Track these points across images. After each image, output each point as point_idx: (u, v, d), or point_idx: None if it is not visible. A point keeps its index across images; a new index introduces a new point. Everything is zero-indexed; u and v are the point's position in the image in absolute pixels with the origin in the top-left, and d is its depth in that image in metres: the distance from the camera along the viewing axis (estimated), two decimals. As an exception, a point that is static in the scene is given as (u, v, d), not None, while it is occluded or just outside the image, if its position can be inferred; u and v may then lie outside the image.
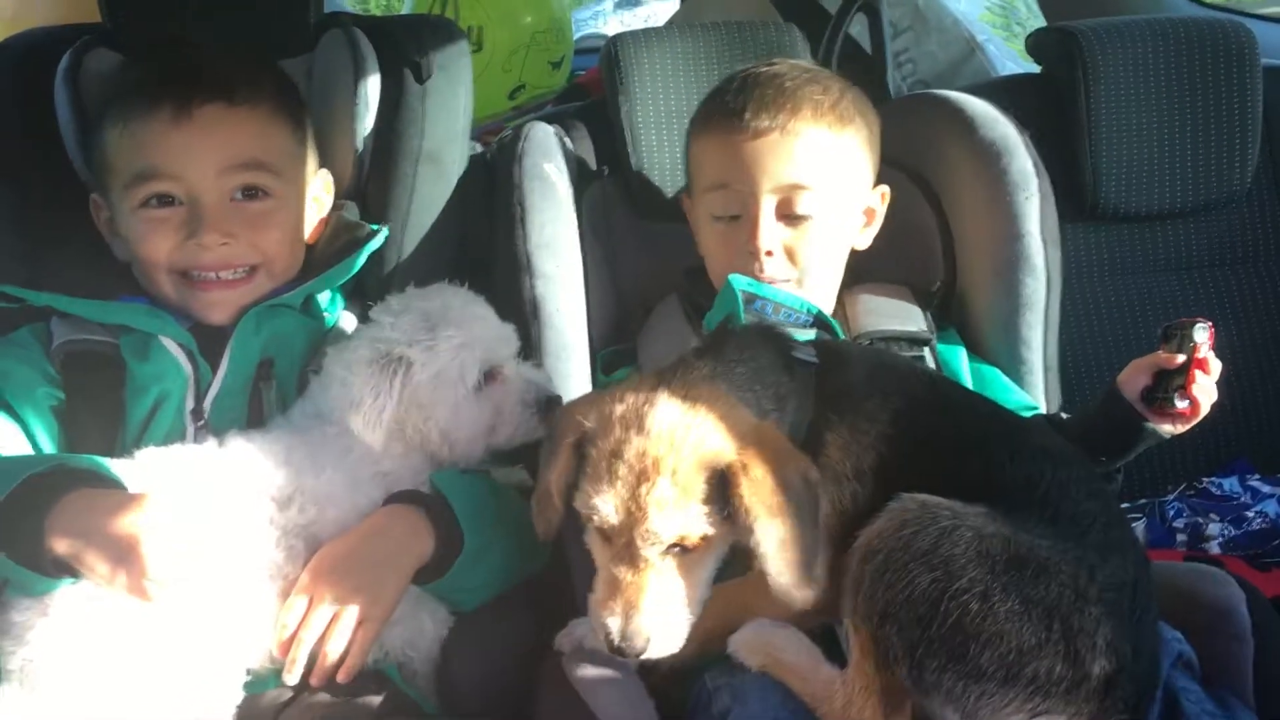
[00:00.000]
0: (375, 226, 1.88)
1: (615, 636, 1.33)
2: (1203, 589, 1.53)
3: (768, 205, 1.76)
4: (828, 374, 1.47)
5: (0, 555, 1.40)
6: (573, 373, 1.85)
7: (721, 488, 1.33)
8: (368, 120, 1.95)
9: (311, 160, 1.89)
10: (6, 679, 1.41)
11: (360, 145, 1.96)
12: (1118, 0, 2.93)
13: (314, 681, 1.51)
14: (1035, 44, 2.49)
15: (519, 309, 1.84)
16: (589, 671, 1.46)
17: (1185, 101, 2.33)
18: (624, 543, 1.33)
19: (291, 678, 1.51)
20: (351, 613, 1.50)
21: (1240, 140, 2.34)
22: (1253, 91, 2.33)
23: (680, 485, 1.31)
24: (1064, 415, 1.89)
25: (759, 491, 1.31)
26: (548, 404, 1.69)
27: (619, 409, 1.36)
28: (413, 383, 1.63)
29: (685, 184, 1.99)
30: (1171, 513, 2.15)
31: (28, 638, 1.42)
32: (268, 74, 1.85)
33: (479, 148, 2.18)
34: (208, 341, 1.74)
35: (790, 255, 1.77)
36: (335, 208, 1.93)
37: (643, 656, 1.35)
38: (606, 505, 1.33)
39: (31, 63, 1.95)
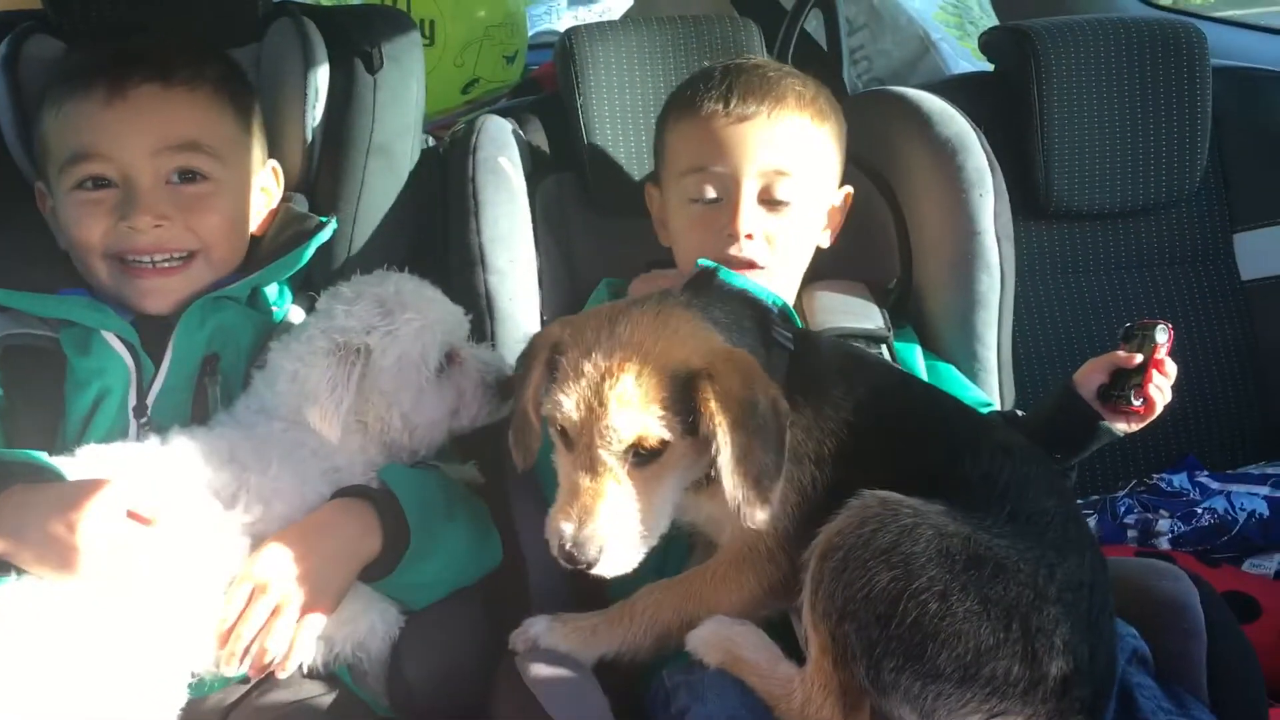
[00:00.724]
0: (324, 219, 1.84)
1: (567, 542, 1.33)
2: (1156, 585, 1.54)
3: (749, 188, 1.77)
4: (799, 359, 1.47)
5: None
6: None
7: (685, 399, 1.33)
8: (317, 111, 1.91)
9: (259, 149, 1.85)
10: None
11: (310, 136, 1.92)
12: (1069, 1, 2.95)
13: (251, 674, 1.48)
14: (988, 42, 2.50)
15: (472, 303, 1.81)
16: (543, 671, 1.44)
17: (1136, 101, 2.35)
18: (585, 445, 1.33)
19: (230, 670, 1.47)
20: (294, 606, 1.47)
21: (1189, 140, 2.37)
22: (1202, 92, 2.36)
23: (643, 385, 1.32)
24: (1019, 413, 1.89)
25: (724, 401, 1.31)
26: (506, 384, 1.67)
27: (592, 321, 1.38)
28: (374, 371, 1.60)
29: (652, 173, 1.98)
30: (1122, 509, 2.17)
31: None
32: (211, 58, 1.80)
33: (432, 141, 2.14)
34: (151, 336, 1.69)
35: (768, 240, 1.78)
36: (284, 199, 1.89)
37: (594, 570, 1.34)
38: (569, 401, 1.33)
39: None
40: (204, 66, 1.76)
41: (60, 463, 1.47)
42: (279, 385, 1.61)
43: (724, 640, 1.40)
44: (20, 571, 1.39)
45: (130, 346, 1.67)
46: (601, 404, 1.32)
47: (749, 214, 1.76)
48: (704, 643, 1.41)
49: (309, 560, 1.49)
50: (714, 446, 1.31)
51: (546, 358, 1.39)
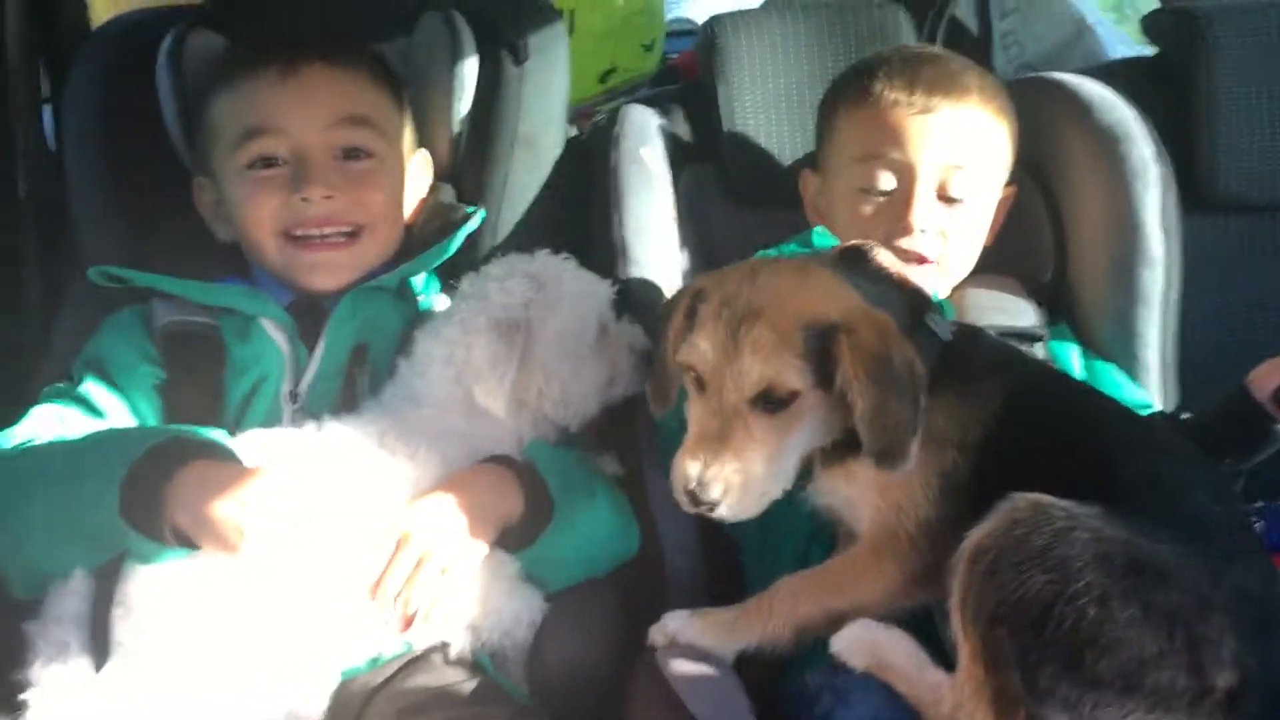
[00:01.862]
0: (472, 209, 1.87)
1: (691, 481, 1.33)
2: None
3: (926, 180, 1.74)
4: (953, 351, 1.44)
5: (122, 524, 1.41)
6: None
7: (820, 351, 1.32)
8: (465, 102, 1.94)
9: (411, 137, 1.89)
10: (116, 651, 1.42)
11: (457, 127, 1.95)
12: (1236, -18, 2.79)
13: (401, 629, 1.51)
14: (1151, 25, 2.37)
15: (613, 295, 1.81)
16: (685, 668, 1.42)
17: (1314, 87, 2.20)
18: (716, 388, 1.34)
19: (384, 624, 1.50)
20: (438, 558, 1.50)
21: (1372, 127, 2.21)
22: (1385, 76, 2.19)
23: (778, 332, 1.32)
24: (1184, 415, 1.80)
25: (861, 354, 1.31)
26: (647, 355, 1.68)
27: (734, 273, 1.39)
28: (534, 344, 1.61)
29: (808, 159, 1.95)
30: (1291, 518, 2.06)
31: (141, 611, 1.43)
32: (365, 47, 1.87)
33: (574, 131, 2.15)
34: (305, 325, 1.74)
35: (941, 235, 1.75)
36: (432, 189, 1.92)
37: (715, 512, 1.34)
38: (705, 344, 1.34)
39: (132, 45, 1.97)
40: (362, 51, 1.84)
41: (233, 445, 1.52)
42: (430, 372, 1.63)
43: (870, 644, 1.37)
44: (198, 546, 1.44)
45: (287, 334, 1.72)
46: (736, 348, 1.32)
47: (924, 206, 1.73)
48: (850, 645, 1.38)
49: (449, 514, 1.52)
50: (850, 398, 1.31)
51: (687, 305, 1.40)
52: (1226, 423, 1.59)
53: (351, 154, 1.77)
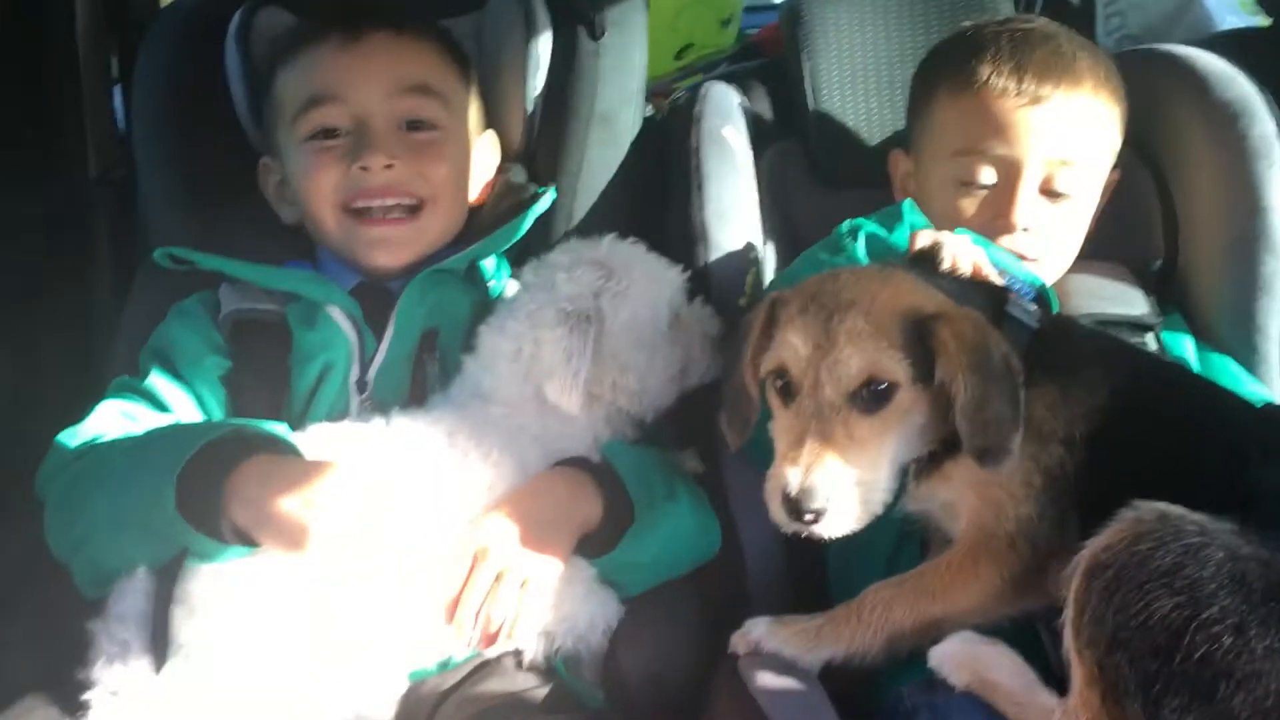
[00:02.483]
0: (542, 189, 1.80)
1: (793, 489, 1.24)
2: None
3: (1031, 177, 1.63)
4: (1045, 340, 1.35)
5: (180, 520, 1.36)
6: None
7: (916, 343, 1.26)
8: (538, 80, 1.87)
9: (478, 115, 1.83)
10: (176, 651, 1.38)
11: (530, 106, 1.88)
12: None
13: (481, 646, 1.45)
14: (1267, -6, 2.23)
15: (693, 281, 1.72)
16: (770, 681, 1.35)
17: None
18: (810, 387, 1.27)
19: (462, 641, 1.44)
20: (516, 571, 1.43)
21: None
22: None
23: (874, 321, 1.26)
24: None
25: (961, 344, 1.24)
26: (725, 338, 1.61)
27: (810, 280, 1.34)
28: (607, 335, 1.54)
29: (898, 138, 1.85)
30: None
31: (202, 610, 1.39)
32: (431, 19, 1.83)
33: (650, 110, 2.07)
34: (373, 311, 1.68)
35: (1044, 233, 1.64)
36: (501, 170, 1.86)
37: (817, 526, 1.26)
38: (795, 339, 1.28)
39: (199, 22, 1.93)
40: (429, 22, 1.79)
41: (295, 439, 1.47)
42: (498, 368, 1.57)
43: (972, 659, 1.28)
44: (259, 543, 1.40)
45: (354, 320, 1.67)
46: (830, 339, 1.26)
47: (1027, 205, 1.63)
48: (950, 660, 1.29)
49: (527, 525, 1.46)
50: (952, 390, 1.24)
51: (766, 316, 1.33)
52: None
53: (415, 125, 1.72)
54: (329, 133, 1.70)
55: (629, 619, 1.54)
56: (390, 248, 1.71)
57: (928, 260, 1.43)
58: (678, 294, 1.63)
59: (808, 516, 1.25)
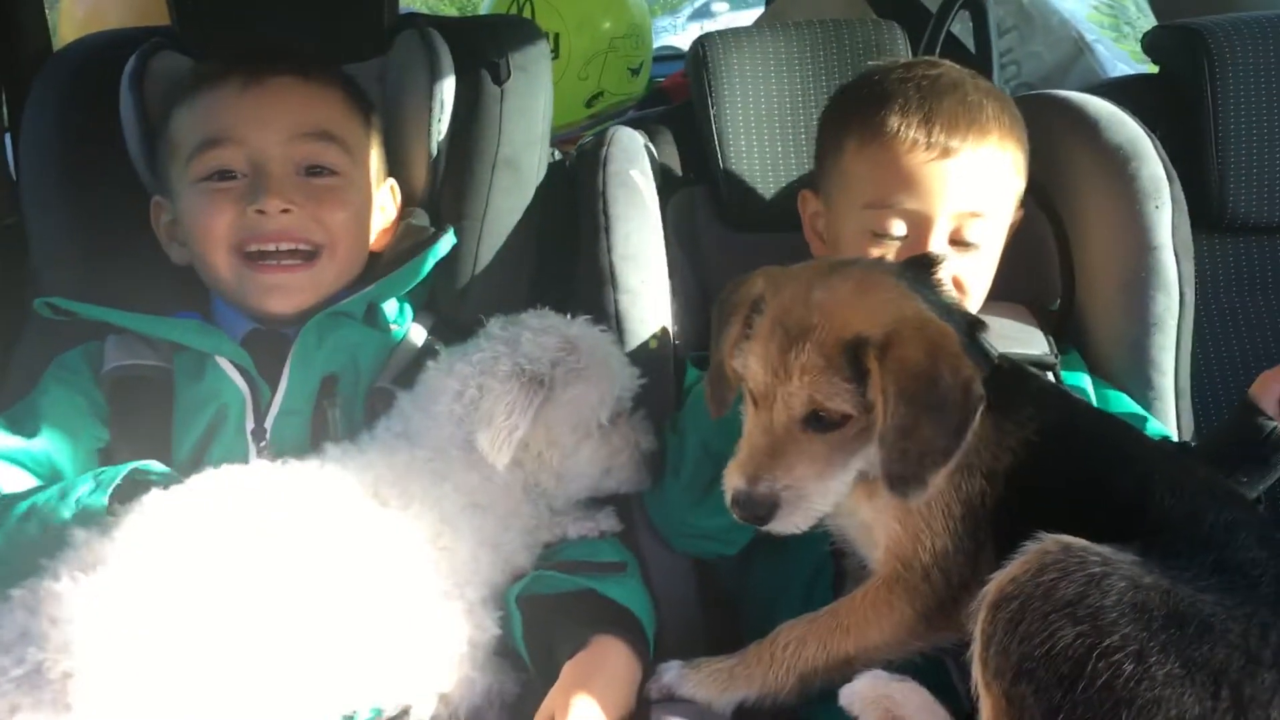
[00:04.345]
0: (443, 230, 1.78)
1: (741, 493, 1.30)
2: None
3: (941, 230, 1.63)
4: (1001, 378, 1.36)
5: None
6: (657, 387, 1.71)
7: (864, 371, 1.27)
8: (443, 124, 1.85)
9: (379, 161, 1.81)
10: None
11: (434, 150, 1.86)
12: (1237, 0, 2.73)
13: None
14: (1153, 43, 2.31)
15: (601, 324, 1.71)
16: (682, 724, 1.33)
17: (1321, 103, 2.14)
18: (769, 406, 1.31)
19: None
20: None
21: (1383, 146, 2.14)
22: (1399, 93, 2.13)
23: (826, 355, 1.27)
24: (1193, 444, 1.72)
25: (893, 373, 1.24)
26: (653, 458, 1.62)
27: (792, 281, 1.34)
28: (550, 406, 1.53)
29: (808, 178, 1.86)
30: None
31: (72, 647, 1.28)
32: (335, 64, 1.80)
33: (558, 155, 2.06)
34: (266, 358, 1.64)
35: (957, 284, 1.63)
36: (403, 215, 1.83)
37: (766, 526, 1.31)
38: (757, 364, 1.31)
39: (89, 68, 1.89)
40: (337, 68, 1.78)
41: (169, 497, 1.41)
42: (436, 407, 1.53)
43: (882, 697, 1.28)
44: None
45: (243, 371, 1.62)
46: (786, 371, 1.28)
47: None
48: (860, 699, 1.28)
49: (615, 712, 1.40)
50: (875, 413, 1.25)
51: (746, 313, 1.35)
52: (1236, 440, 1.53)
53: (314, 171, 1.69)
54: (225, 174, 1.66)
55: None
56: (285, 294, 1.67)
57: (924, 268, 1.43)
58: (626, 395, 1.62)
59: (752, 518, 1.31)
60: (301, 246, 1.67)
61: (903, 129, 1.62)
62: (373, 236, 1.78)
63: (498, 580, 1.53)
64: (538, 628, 1.49)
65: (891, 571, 1.34)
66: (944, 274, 1.61)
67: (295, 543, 1.37)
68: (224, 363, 1.62)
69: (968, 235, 1.64)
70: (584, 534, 1.62)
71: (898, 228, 1.64)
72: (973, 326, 1.39)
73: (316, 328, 1.64)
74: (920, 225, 1.63)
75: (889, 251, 1.64)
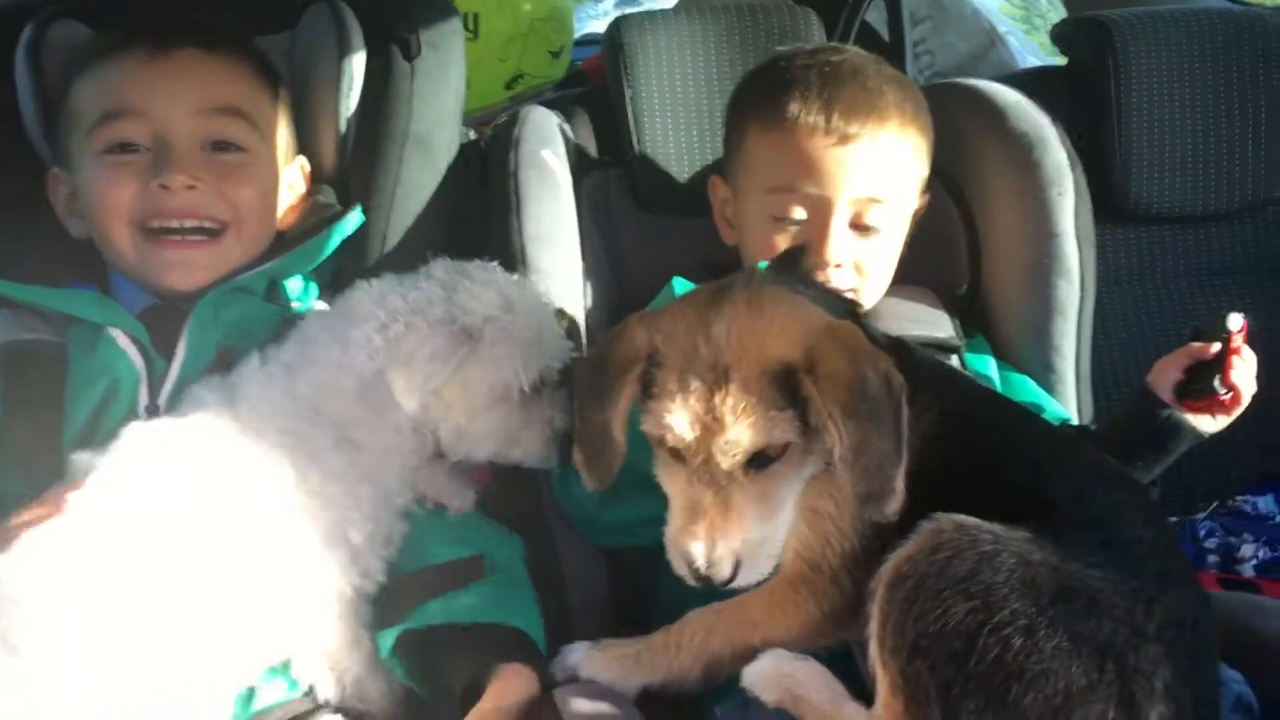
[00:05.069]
0: (351, 208, 1.75)
1: (701, 563, 1.23)
2: (1261, 624, 1.41)
3: (841, 215, 1.65)
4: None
5: None
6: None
7: (798, 389, 1.22)
8: (352, 99, 1.82)
9: (288, 138, 1.77)
10: None
11: (343, 126, 1.82)
12: (1142, -7, 2.80)
13: None
14: (1062, 35, 2.36)
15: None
16: (583, 707, 1.32)
17: (1222, 97, 2.20)
18: (702, 460, 1.23)
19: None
20: None
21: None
22: (1294, 89, 2.20)
23: (755, 391, 1.21)
24: (1092, 428, 1.77)
25: (829, 389, 1.20)
26: (566, 439, 1.54)
27: (683, 322, 1.26)
28: (473, 360, 1.47)
29: (717, 165, 1.86)
30: (1203, 532, 2.04)
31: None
32: (244, 37, 1.76)
33: (473, 135, 2.04)
34: (162, 332, 1.59)
35: (857, 268, 1.67)
36: (310, 192, 1.80)
37: (733, 584, 1.25)
38: (680, 422, 1.23)
39: None
40: (246, 41, 1.73)
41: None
42: (353, 331, 1.47)
43: (783, 677, 1.28)
44: None
45: (139, 344, 1.58)
46: (716, 419, 1.21)
47: (839, 241, 1.65)
48: (762, 678, 1.29)
49: None
50: (828, 439, 1.21)
51: (640, 369, 1.27)
52: (1134, 425, 1.57)
53: (221, 146, 1.65)
54: (127, 147, 1.62)
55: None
56: (188, 270, 1.63)
57: (791, 262, 1.42)
58: (554, 366, 1.56)
59: (717, 584, 1.24)
60: (206, 224, 1.63)
61: (803, 114, 1.64)
62: (280, 214, 1.75)
63: (383, 518, 1.48)
64: (423, 667, 1.44)
65: (798, 572, 1.33)
66: (841, 258, 1.65)
67: (148, 511, 1.34)
68: (118, 335, 1.58)
69: (868, 220, 1.65)
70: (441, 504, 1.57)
71: (798, 212, 1.65)
72: (853, 310, 1.39)
73: (213, 301, 1.61)
74: (820, 210, 1.64)
75: (789, 237, 1.66)
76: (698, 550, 1.23)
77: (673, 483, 1.29)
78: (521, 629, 1.44)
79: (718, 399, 1.21)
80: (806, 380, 1.21)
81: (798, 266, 1.41)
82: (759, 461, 1.24)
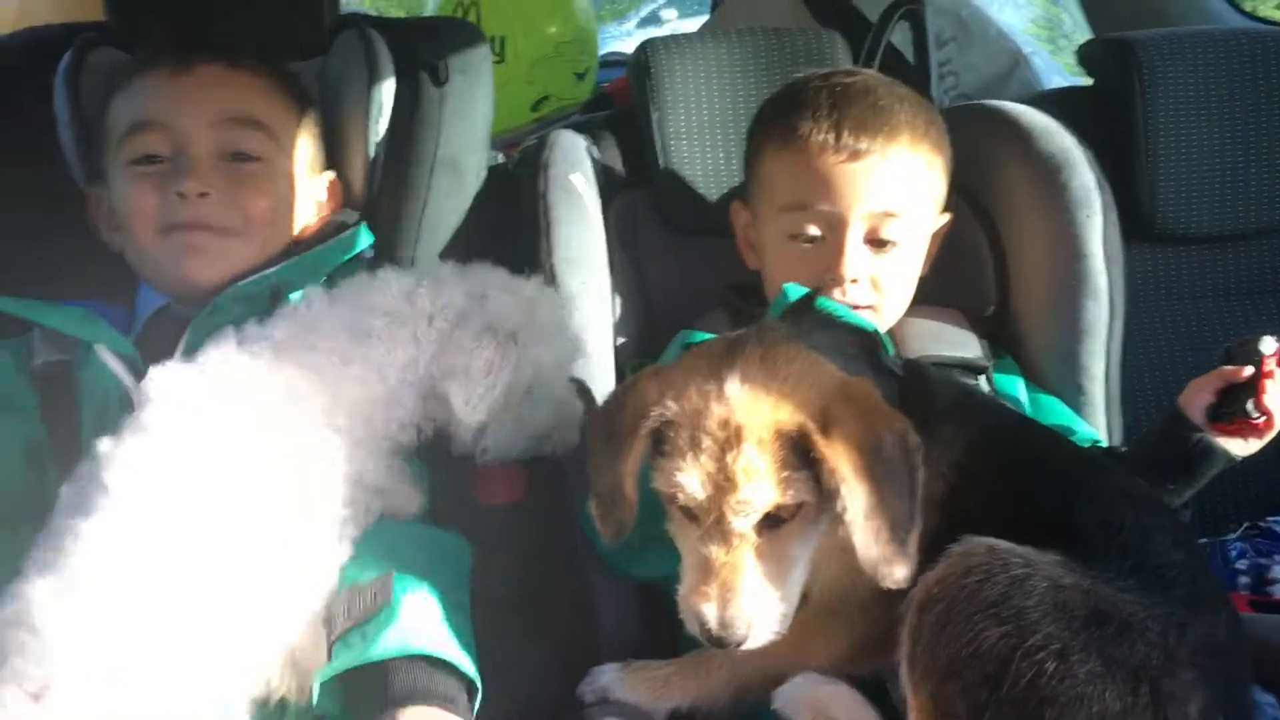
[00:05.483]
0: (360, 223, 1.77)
1: (713, 625, 1.21)
2: (1295, 646, 1.39)
3: (856, 230, 1.66)
4: (907, 389, 1.34)
5: None
6: (599, 394, 1.71)
7: (809, 454, 1.20)
8: (381, 125, 1.84)
9: (314, 152, 1.81)
10: None
11: (373, 151, 1.85)
12: (1167, 13, 2.79)
13: None
14: (1088, 55, 2.36)
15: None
16: (615, 729, 1.33)
17: (1249, 117, 2.19)
18: (714, 519, 1.21)
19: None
20: None
21: (1307, 159, 2.20)
22: (1322, 108, 2.19)
23: (768, 451, 1.19)
24: (1123, 449, 1.76)
25: (842, 451, 1.18)
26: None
27: (695, 379, 1.24)
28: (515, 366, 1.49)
29: (739, 189, 1.87)
30: (1234, 553, 2.01)
31: None
32: (271, 57, 1.81)
33: (501, 158, 2.06)
34: (159, 344, 1.61)
35: (874, 284, 1.68)
36: (335, 212, 1.83)
37: (743, 646, 1.22)
38: (692, 481, 1.21)
39: (30, 61, 1.86)
40: (269, 60, 1.78)
41: None
42: (372, 321, 1.47)
43: (816, 701, 1.28)
44: None
45: (126, 359, 1.60)
46: (728, 479, 1.19)
47: (854, 257, 1.66)
48: (794, 702, 1.29)
49: None
50: (839, 503, 1.18)
51: (651, 427, 1.25)
52: (1165, 448, 1.56)
53: (239, 157, 1.69)
54: (151, 158, 1.67)
55: (482, 671, 1.47)
56: (204, 257, 1.65)
57: (802, 312, 1.42)
58: (572, 361, 1.60)
59: (729, 645, 1.22)
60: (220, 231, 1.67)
61: (814, 132, 1.67)
62: (299, 228, 1.76)
63: (359, 499, 1.46)
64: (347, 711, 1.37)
65: (828, 604, 1.33)
66: (858, 273, 1.65)
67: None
68: (104, 352, 1.60)
69: (884, 234, 1.67)
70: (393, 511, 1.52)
71: (813, 229, 1.67)
72: (871, 347, 1.39)
73: (215, 307, 1.63)
74: (835, 226, 1.66)
75: (806, 254, 1.68)
76: (709, 612, 1.21)
77: (685, 541, 1.27)
78: (444, 659, 1.34)
79: (730, 458, 1.19)
80: (820, 442, 1.19)
81: (813, 311, 1.41)
82: (772, 521, 1.22)
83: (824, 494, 1.22)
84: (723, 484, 1.20)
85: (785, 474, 1.20)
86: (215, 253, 1.66)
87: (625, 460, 1.26)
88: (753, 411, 1.20)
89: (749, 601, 1.21)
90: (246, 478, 1.36)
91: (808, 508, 1.23)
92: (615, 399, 1.34)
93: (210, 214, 1.64)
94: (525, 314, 1.52)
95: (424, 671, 1.32)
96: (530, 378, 1.52)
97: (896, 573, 1.18)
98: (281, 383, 1.43)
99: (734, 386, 1.22)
